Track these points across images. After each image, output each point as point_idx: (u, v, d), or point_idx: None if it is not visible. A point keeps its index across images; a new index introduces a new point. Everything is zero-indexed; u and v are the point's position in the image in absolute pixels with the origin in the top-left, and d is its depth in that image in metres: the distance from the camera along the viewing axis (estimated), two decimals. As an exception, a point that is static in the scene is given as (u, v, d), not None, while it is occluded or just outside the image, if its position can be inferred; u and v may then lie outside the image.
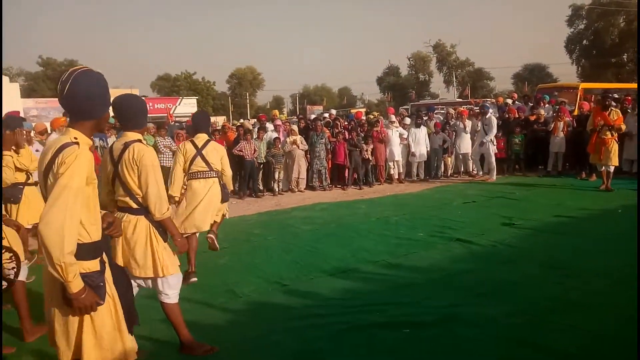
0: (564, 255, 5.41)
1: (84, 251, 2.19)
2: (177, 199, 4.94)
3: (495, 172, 11.53)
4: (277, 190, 10.71)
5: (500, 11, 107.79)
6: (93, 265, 2.25)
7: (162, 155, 9.74)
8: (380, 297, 4.45)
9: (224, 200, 5.06)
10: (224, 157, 5.07)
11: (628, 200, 8.26)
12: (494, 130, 11.30)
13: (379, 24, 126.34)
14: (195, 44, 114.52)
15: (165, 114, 21.23)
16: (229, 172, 5.13)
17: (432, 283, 4.74)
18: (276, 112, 13.06)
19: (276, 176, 10.68)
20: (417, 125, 12.08)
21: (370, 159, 11.35)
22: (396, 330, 3.73)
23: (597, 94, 15.88)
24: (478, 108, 12.88)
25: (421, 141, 11.98)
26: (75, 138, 2.19)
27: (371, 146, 11.34)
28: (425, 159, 12.18)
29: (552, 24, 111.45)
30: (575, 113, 13.02)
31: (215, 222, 5.13)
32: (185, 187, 5.00)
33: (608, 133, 9.49)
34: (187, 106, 43.69)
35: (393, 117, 12.39)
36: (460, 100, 41.28)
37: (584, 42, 49.86)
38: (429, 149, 12.10)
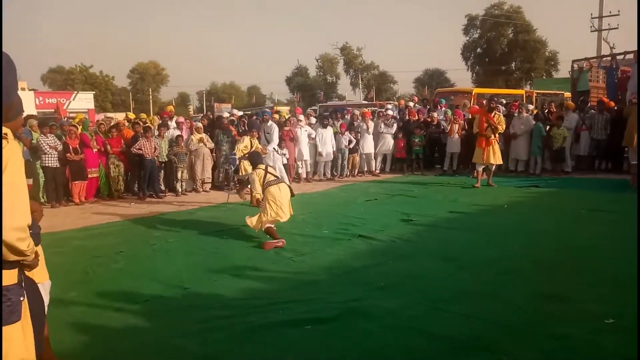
0: (457, 249, 5.76)
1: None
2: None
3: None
4: (180, 190, 10.30)
5: (403, 17, 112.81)
6: (11, 276, 1.93)
7: (47, 156, 8.98)
8: (284, 295, 4.44)
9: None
10: None
11: (512, 197, 9.04)
12: (275, 140, 10.54)
13: (288, 24, 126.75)
14: (94, 35, 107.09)
15: (56, 109, 19.53)
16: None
17: (335, 279, 4.82)
18: (171, 107, 12.33)
19: (179, 176, 10.27)
20: (324, 126, 12.28)
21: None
22: (300, 327, 3.74)
23: (486, 98, 17.22)
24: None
25: (328, 141, 12.21)
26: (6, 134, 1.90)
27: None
28: (331, 158, 12.43)
29: (450, 32, 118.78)
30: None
31: None
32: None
33: (492, 134, 10.29)
34: (82, 101, 40.67)
35: (301, 117, 12.49)
36: (366, 102, 42.64)
37: (478, 50, 53.75)
38: (335, 149, 12.36)
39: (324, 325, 3.78)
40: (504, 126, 10.75)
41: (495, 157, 10.27)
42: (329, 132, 12.26)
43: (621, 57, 15.12)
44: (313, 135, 12.04)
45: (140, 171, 9.86)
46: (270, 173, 6.24)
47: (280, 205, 5.98)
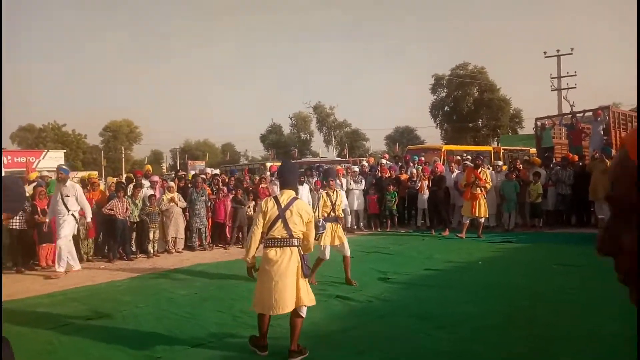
0: (434, 307, 5.72)
1: None
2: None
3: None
4: (152, 251, 10.06)
5: (373, 78, 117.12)
6: None
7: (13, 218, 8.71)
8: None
9: (305, 275, 4.29)
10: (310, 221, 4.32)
11: (485, 253, 9.13)
12: None
13: (262, 83, 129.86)
14: (67, 94, 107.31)
15: (25, 169, 19.20)
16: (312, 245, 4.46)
17: (313, 344, 4.68)
18: (149, 167, 12.35)
19: (151, 236, 10.06)
20: (300, 183, 12.36)
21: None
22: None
23: (458, 155, 17.75)
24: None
25: (304, 198, 12.23)
26: None
27: (253, 202, 11.30)
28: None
29: (419, 92, 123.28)
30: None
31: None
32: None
33: (478, 189, 10.73)
34: (52, 160, 40.18)
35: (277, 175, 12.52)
36: (339, 159, 43.30)
37: (446, 108, 55.83)
38: (311, 206, 12.37)
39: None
40: (490, 183, 11.21)
41: (482, 211, 10.91)
42: (305, 189, 12.33)
43: (581, 115, 15.91)
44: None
45: (111, 232, 9.64)
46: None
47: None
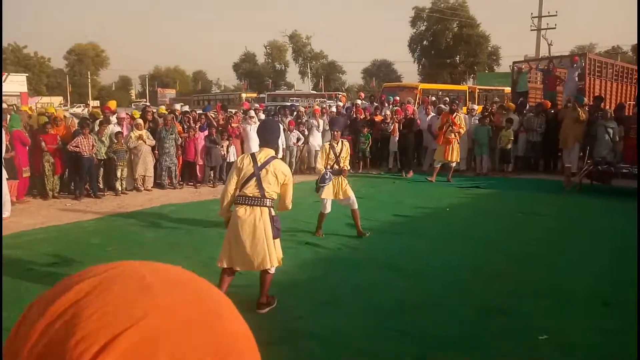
0: (402, 257, 5.86)
1: None
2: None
3: None
4: (120, 189, 9.87)
5: (352, 7, 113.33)
6: None
7: None
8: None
9: (274, 236, 4.19)
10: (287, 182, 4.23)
11: (454, 199, 9.31)
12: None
13: (236, 9, 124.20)
14: (29, 14, 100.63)
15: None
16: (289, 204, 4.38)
17: (280, 294, 4.75)
18: (112, 103, 11.76)
19: (118, 174, 9.83)
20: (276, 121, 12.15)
21: (226, 155, 11.07)
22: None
23: (434, 95, 17.66)
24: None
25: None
26: None
27: (227, 142, 11.10)
28: (281, 155, 12.29)
29: (398, 24, 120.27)
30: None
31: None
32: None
33: (452, 134, 10.78)
34: (14, 84, 38.42)
35: (252, 113, 12.25)
36: (315, 92, 42.64)
37: (424, 42, 54.89)
38: (284, 146, 12.25)
39: (268, 348, 3.73)
40: (465, 128, 11.24)
41: (454, 155, 11.07)
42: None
43: (558, 60, 15.84)
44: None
45: (77, 169, 9.37)
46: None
47: None
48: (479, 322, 4.15)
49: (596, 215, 8.02)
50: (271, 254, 4.12)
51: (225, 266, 4.23)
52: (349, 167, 6.85)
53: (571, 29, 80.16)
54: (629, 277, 4.86)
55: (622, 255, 5.82)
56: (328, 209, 6.65)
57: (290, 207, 4.43)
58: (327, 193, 6.55)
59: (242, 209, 4.09)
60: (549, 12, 32.41)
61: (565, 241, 6.56)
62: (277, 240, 4.24)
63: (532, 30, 33.05)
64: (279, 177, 4.13)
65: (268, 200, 4.11)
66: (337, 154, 6.55)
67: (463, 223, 7.58)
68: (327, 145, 6.70)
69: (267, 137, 4.38)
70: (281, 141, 12.06)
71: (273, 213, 4.19)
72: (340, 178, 6.61)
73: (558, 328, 3.98)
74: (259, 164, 4.10)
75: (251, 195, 4.08)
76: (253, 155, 4.18)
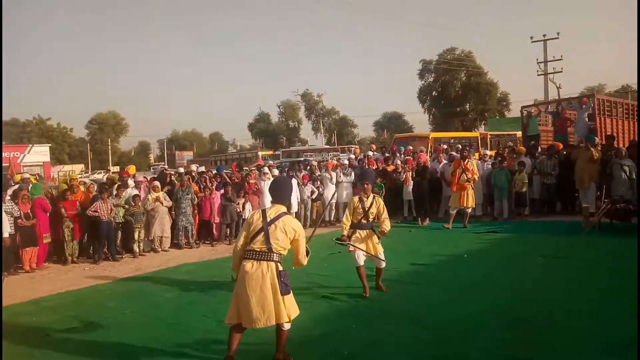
0: (421, 308, 5.75)
1: None
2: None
3: None
4: (137, 251, 9.97)
5: (361, 63, 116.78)
6: None
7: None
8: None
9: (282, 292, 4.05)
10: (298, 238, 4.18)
11: (471, 245, 9.19)
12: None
13: (250, 72, 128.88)
14: (51, 87, 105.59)
15: (9, 164, 18.76)
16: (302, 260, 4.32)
17: (297, 349, 4.67)
18: (132, 167, 12.06)
19: (136, 236, 9.97)
20: (289, 177, 12.34)
21: (242, 212, 11.18)
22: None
23: (445, 143, 17.81)
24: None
25: (293, 192, 12.22)
26: None
27: (243, 199, 11.26)
28: (296, 210, 12.41)
29: (406, 77, 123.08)
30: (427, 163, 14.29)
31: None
32: None
33: (466, 180, 10.88)
34: (37, 154, 39.82)
35: (266, 169, 12.47)
36: (328, 147, 43.25)
37: (434, 93, 55.88)
38: (299, 200, 12.39)
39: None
40: (478, 173, 11.35)
41: (470, 201, 11.14)
42: (293, 183, 12.32)
43: (566, 102, 15.95)
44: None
45: (96, 233, 9.54)
46: None
47: None
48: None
49: (617, 255, 7.80)
50: (280, 311, 4.01)
51: (233, 323, 4.13)
52: (387, 227, 6.24)
53: (580, 71, 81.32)
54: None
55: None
56: (361, 261, 6.21)
57: (304, 262, 4.36)
58: (357, 245, 6.19)
59: (250, 264, 4.05)
60: (554, 57, 33.01)
61: (585, 283, 6.39)
62: (289, 296, 4.14)
63: (539, 75, 33.53)
64: (288, 232, 4.10)
65: (275, 255, 4.06)
66: (366, 209, 6.22)
67: (481, 269, 7.45)
68: (356, 198, 6.36)
69: (279, 194, 4.40)
70: (296, 195, 12.23)
71: (281, 268, 4.10)
72: (369, 232, 6.27)
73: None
74: (269, 220, 4.10)
75: (258, 249, 4.05)
76: (264, 211, 4.19)
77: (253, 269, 4.02)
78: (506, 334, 4.82)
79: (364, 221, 6.24)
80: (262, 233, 4.07)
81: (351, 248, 6.17)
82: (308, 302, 6.13)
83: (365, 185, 6.36)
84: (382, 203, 6.39)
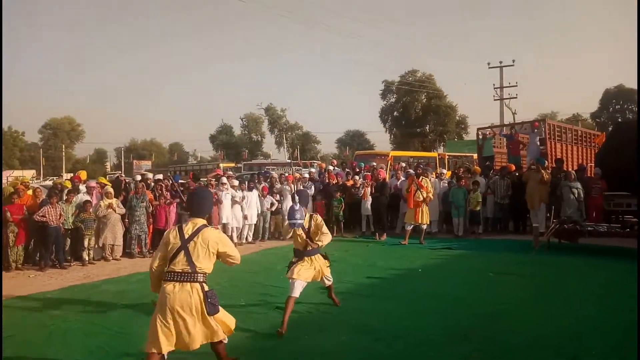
0: (374, 319, 5.75)
1: None
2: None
3: None
4: (87, 259, 9.60)
5: (326, 81, 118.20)
6: None
7: None
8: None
9: (210, 312, 3.80)
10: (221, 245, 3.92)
11: (426, 260, 9.34)
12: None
13: (213, 83, 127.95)
14: (3, 89, 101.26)
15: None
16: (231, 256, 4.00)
17: (247, 358, 4.60)
18: (83, 172, 11.65)
19: (85, 244, 9.61)
20: (250, 189, 12.27)
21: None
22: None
23: (404, 161, 18.15)
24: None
25: (253, 204, 12.16)
26: None
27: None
28: (255, 221, 12.32)
29: (369, 97, 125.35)
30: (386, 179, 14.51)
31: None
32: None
33: (421, 197, 11.04)
34: (-15, 158, 37.98)
35: (225, 180, 12.34)
36: (290, 161, 43.25)
37: (395, 113, 56.93)
38: (259, 212, 12.32)
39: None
40: (432, 192, 11.58)
41: (425, 218, 11.37)
42: (254, 194, 12.26)
43: (519, 126, 16.61)
44: (237, 198, 11.87)
45: (43, 239, 9.15)
46: None
47: None
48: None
49: (564, 273, 8.12)
50: (213, 332, 3.83)
51: (154, 351, 3.72)
52: (324, 241, 5.67)
53: (534, 99, 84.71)
54: (595, 332, 4.88)
55: (589, 310, 5.89)
56: (297, 292, 5.46)
57: (238, 261, 4.05)
58: (300, 274, 5.51)
59: (171, 286, 3.74)
60: (509, 83, 34.35)
61: (534, 298, 6.59)
62: (219, 313, 3.91)
63: (495, 100, 34.79)
64: (210, 247, 3.84)
65: (200, 275, 3.79)
66: (307, 231, 5.67)
67: (435, 284, 7.57)
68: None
69: (197, 206, 4.09)
70: (256, 205, 12.15)
71: (207, 288, 3.83)
72: (316, 257, 5.71)
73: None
74: (187, 237, 3.83)
75: (180, 270, 3.76)
76: (180, 228, 3.91)
77: (175, 290, 3.72)
78: (456, 346, 4.88)
79: (309, 247, 5.63)
80: (182, 252, 3.79)
81: (294, 274, 5.49)
82: (262, 313, 6.08)
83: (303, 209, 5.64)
84: (319, 218, 5.79)
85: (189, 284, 3.74)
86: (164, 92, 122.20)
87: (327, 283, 5.99)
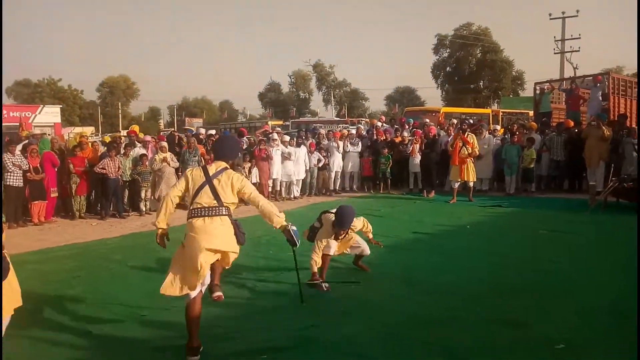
0: (419, 273, 5.80)
1: None
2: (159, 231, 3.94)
3: None
4: (144, 209, 10.11)
5: (375, 36, 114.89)
6: None
7: (10, 175, 8.71)
8: (243, 323, 4.39)
9: (239, 242, 3.87)
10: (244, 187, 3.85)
11: (475, 217, 9.20)
12: None
13: (261, 40, 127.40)
14: (63, 49, 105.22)
15: (20, 123, 18.83)
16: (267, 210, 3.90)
17: (295, 305, 4.78)
18: (135, 127, 12.08)
19: (143, 195, 10.09)
20: (298, 145, 12.36)
21: (248, 177, 11.23)
22: (255, 358, 3.68)
23: (456, 118, 17.64)
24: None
25: (301, 160, 12.26)
26: None
27: (249, 164, 11.30)
28: (303, 176, 12.47)
29: (421, 51, 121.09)
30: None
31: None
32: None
33: (466, 153, 10.77)
34: (48, 115, 39.71)
35: (275, 136, 12.47)
36: (338, 119, 42.99)
37: (448, 69, 54.92)
38: (308, 168, 12.44)
39: (280, 354, 3.75)
40: (477, 148, 11.25)
41: (471, 175, 11.04)
42: (302, 151, 12.34)
43: (580, 80, 15.69)
44: (286, 154, 12.00)
45: (103, 190, 9.68)
46: None
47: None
48: (495, 334, 4.05)
49: (620, 233, 7.78)
50: (226, 263, 3.89)
51: (181, 293, 3.74)
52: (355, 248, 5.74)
53: (598, 52, 79.22)
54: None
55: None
56: (332, 250, 5.41)
57: (280, 215, 3.98)
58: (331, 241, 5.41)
59: (201, 220, 3.69)
60: (571, 35, 32.25)
61: (586, 258, 6.39)
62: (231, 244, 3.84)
63: (555, 53, 32.85)
64: (234, 184, 3.79)
65: (225, 208, 3.76)
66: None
67: (483, 240, 7.48)
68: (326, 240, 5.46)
69: (222, 150, 4.08)
70: (305, 162, 12.27)
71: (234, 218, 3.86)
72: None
73: (576, 339, 3.88)
74: (210, 175, 3.80)
75: (207, 205, 3.71)
76: (204, 168, 3.89)
77: (205, 224, 3.68)
78: (502, 299, 4.85)
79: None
80: (207, 186, 3.76)
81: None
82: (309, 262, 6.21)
83: (342, 232, 5.40)
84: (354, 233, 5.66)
85: (218, 217, 3.71)
86: (214, 50, 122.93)
87: (365, 252, 5.77)
